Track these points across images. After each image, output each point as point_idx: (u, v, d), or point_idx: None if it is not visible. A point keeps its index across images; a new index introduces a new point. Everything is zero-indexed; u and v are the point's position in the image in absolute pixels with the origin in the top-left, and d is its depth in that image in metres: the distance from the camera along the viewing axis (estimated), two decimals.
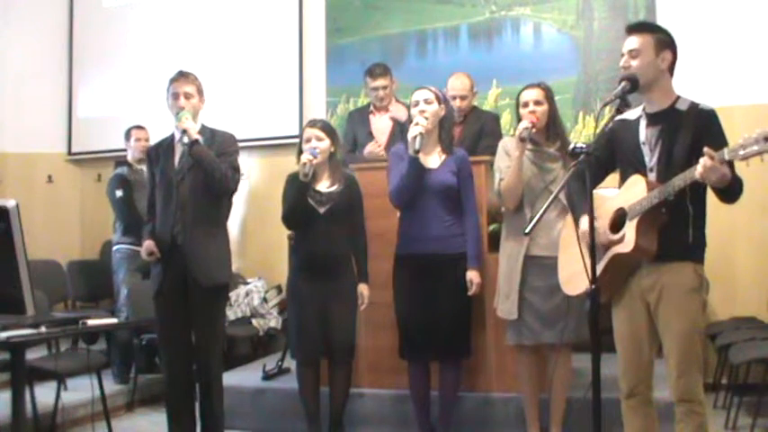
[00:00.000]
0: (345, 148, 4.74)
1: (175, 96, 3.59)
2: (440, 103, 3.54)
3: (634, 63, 2.61)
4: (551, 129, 3.49)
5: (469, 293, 3.52)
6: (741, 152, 2.25)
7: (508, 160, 3.45)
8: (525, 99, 3.46)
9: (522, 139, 3.34)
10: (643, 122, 2.68)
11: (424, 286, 3.52)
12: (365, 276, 3.71)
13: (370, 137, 4.71)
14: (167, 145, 3.65)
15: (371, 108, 4.84)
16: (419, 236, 3.53)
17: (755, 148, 2.22)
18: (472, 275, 3.51)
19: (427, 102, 3.51)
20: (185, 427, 3.62)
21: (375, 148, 4.58)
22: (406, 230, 3.60)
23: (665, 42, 2.64)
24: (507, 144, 3.53)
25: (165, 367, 3.66)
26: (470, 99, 4.49)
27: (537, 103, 3.44)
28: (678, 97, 2.66)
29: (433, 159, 3.58)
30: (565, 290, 2.93)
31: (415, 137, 3.39)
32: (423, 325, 3.51)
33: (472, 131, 4.38)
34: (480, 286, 3.54)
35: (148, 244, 3.59)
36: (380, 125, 4.73)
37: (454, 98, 4.37)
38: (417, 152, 3.40)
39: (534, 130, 3.37)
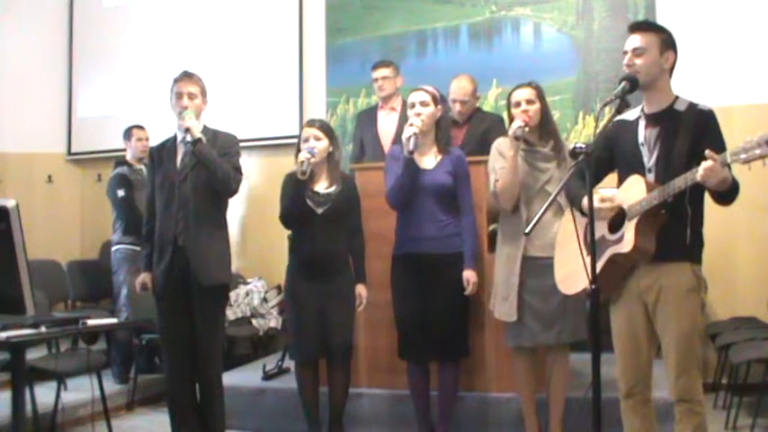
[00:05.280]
0: (355, 153, 4.76)
1: (179, 96, 3.59)
2: (436, 104, 3.54)
3: (638, 62, 2.60)
4: (544, 128, 3.48)
5: (466, 293, 3.52)
6: (743, 155, 2.25)
7: (503, 161, 3.45)
8: (517, 98, 3.45)
9: (516, 138, 3.33)
10: (642, 123, 2.68)
11: (421, 286, 3.52)
12: (363, 276, 3.71)
13: (377, 139, 4.70)
14: (170, 146, 3.66)
15: (379, 105, 4.84)
16: (415, 236, 3.54)
17: (757, 151, 2.21)
18: (468, 275, 3.51)
19: (423, 104, 3.52)
20: (188, 426, 3.62)
21: None
22: (403, 231, 3.61)
23: (669, 43, 2.64)
24: (501, 144, 3.52)
25: (167, 367, 3.67)
26: (471, 103, 4.49)
27: (529, 102, 3.43)
28: (677, 97, 2.66)
29: (429, 160, 3.58)
30: (561, 288, 2.92)
31: (410, 137, 3.41)
32: (420, 325, 3.51)
33: (476, 133, 4.38)
34: (477, 286, 3.54)
35: (144, 278, 3.66)
36: (386, 127, 4.71)
37: (454, 102, 4.38)
38: (412, 152, 3.42)
39: (527, 129, 3.37)
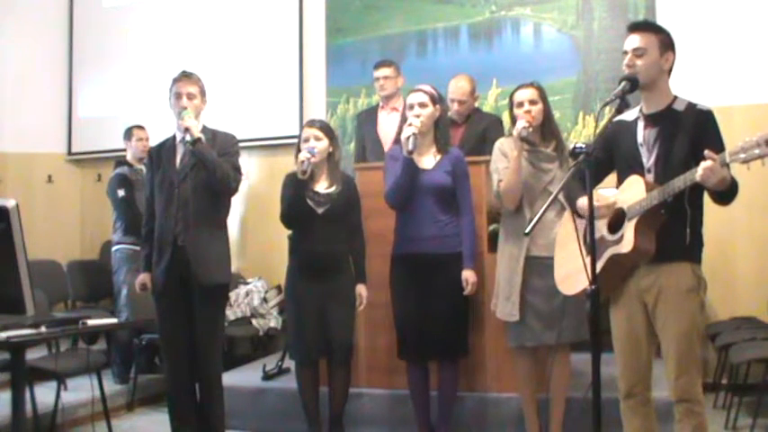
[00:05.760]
0: (358, 153, 4.76)
1: (178, 96, 3.59)
2: (434, 104, 3.54)
3: (639, 62, 2.60)
4: (546, 128, 3.47)
5: (465, 293, 3.52)
6: (742, 155, 2.25)
7: (505, 161, 3.44)
8: (520, 99, 3.45)
9: (522, 138, 3.34)
10: (641, 123, 2.68)
11: (420, 286, 3.52)
12: (363, 277, 3.72)
13: (377, 139, 4.69)
14: (169, 146, 3.66)
15: (380, 105, 4.84)
16: (414, 236, 3.54)
17: (757, 151, 2.21)
18: (467, 275, 3.51)
19: (421, 105, 3.51)
20: (188, 426, 3.62)
21: None
22: (402, 231, 3.61)
23: (668, 43, 2.64)
24: (504, 145, 3.52)
25: (166, 367, 3.67)
26: (470, 103, 4.48)
27: (532, 102, 3.43)
28: (675, 97, 2.67)
29: (428, 160, 3.58)
30: (560, 289, 2.92)
31: (408, 137, 3.41)
32: (419, 324, 3.51)
33: (474, 133, 4.37)
34: (476, 285, 3.54)
35: (143, 278, 3.66)
36: (387, 127, 4.71)
37: (452, 101, 4.38)
38: (411, 153, 3.42)
39: (531, 129, 3.37)
